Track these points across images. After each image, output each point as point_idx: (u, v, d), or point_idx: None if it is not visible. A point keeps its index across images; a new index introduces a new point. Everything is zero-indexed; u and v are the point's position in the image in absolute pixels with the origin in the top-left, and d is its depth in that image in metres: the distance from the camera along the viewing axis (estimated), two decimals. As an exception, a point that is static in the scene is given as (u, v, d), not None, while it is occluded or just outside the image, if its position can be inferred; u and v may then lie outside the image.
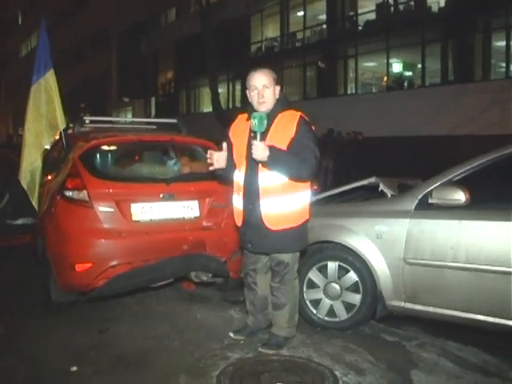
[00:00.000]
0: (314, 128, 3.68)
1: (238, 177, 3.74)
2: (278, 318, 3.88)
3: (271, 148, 3.40)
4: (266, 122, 3.45)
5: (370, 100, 20.62)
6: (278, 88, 3.71)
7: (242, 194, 3.71)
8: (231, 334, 4.06)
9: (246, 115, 3.76)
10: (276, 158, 3.42)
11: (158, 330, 4.27)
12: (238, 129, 3.80)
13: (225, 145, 3.77)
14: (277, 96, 3.70)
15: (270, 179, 3.55)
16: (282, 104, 3.70)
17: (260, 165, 3.52)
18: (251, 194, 3.63)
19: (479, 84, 17.16)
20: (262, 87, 3.63)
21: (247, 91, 3.73)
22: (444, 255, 3.78)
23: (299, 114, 3.63)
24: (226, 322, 4.41)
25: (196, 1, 24.68)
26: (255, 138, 3.42)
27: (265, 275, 3.96)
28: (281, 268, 3.75)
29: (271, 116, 3.60)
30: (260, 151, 3.37)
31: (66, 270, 4.26)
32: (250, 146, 3.49)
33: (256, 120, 3.39)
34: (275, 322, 3.91)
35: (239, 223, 3.79)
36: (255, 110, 3.64)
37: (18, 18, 61.60)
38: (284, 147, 3.50)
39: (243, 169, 3.67)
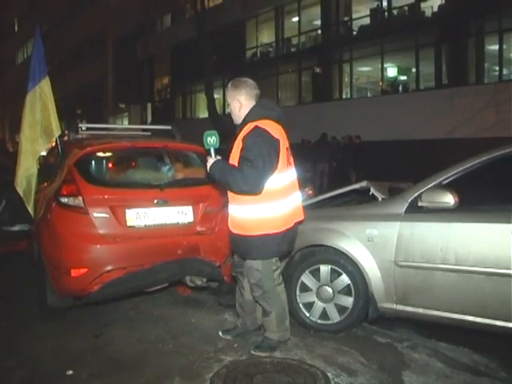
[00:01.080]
0: (275, 136, 3.62)
1: None
2: (267, 324, 3.92)
3: (214, 163, 3.61)
4: (210, 139, 3.65)
5: (365, 104, 20.73)
6: (240, 101, 3.72)
7: None
8: (220, 333, 4.17)
9: None
10: (215, 173, 3.62)
11: (152, 333, 4.33)
12: None
13: None
14: (240, 110, 3.74)
15: None
16: (249, 117, 3.69)
17: None
18: None
19: (473, 87, 17.28)
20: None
21: None
22: (434, 257, 3.85)
23: (253, 125, 3.60)
24: (220, 326, 4.45)
25: (191, 6, 24.84)
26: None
27: None
28: (248, 272, 3.82)
29: (238, 130, 3.72)
30: (208, 166, 3.66)
31: (61, 275, 4.30)
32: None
33: (214, 138, 3.66)
34: (266, 326, 3.95)
35: None
36: None
37: (14, 25, 61.70)
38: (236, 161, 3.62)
39: None
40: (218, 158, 3.65)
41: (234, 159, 3.63)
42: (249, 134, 3.56)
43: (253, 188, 3.50)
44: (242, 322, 4.17)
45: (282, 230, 3.69)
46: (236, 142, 3.65)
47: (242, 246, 3.77)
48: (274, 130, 3.64)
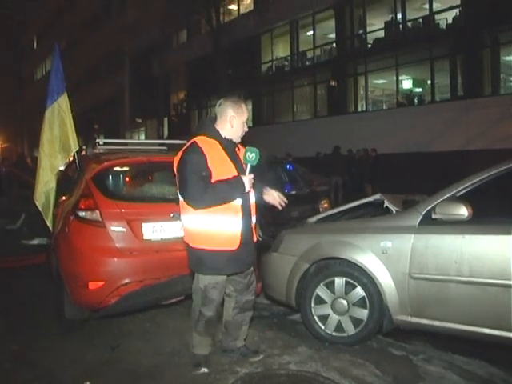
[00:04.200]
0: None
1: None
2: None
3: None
4: (250, 154, 3.61)
5: (381, 117, 20.70)
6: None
7: (240, 214, 3.65)
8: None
9: (215, 141, 3.72)
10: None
11: (168, 345, 4.36)
12: (217, 156, 3.67)
13: None
14: None
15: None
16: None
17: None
18: (249, 213, 3.74)
19: (489, 99, 17.19)
20: None
21: (238, 121, 3.73)
22: (448, 269, 3.84)
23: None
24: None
25: (207, 22, 25.08)
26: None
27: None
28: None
29: (235, 147, 3.81)
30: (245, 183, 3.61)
31: (79, 287, 4.37)
32: (239, 169, 3.64)
33: (254, 154, 3.59)
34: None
35: (236, 245, 3.63)
36: (224, 138, 3.73)
37: (33, 42, 62.87)
38: None
39: None
40: (251, 176, 3.61)
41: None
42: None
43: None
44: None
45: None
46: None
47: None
48: None
